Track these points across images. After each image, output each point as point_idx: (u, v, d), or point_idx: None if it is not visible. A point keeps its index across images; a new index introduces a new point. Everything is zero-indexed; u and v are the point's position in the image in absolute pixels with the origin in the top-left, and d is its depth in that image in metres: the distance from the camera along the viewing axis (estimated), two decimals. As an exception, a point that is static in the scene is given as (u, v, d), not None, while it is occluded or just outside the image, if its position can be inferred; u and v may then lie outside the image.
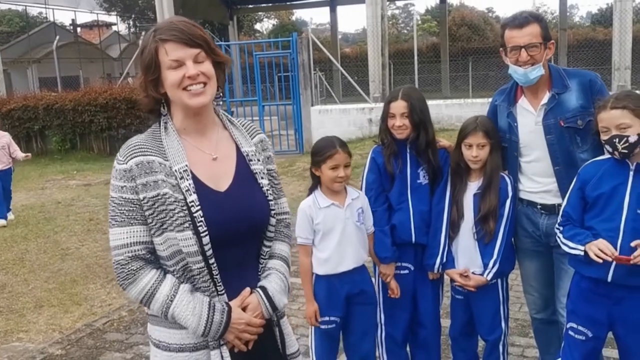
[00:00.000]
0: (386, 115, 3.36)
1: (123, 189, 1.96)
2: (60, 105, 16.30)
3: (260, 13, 44.98)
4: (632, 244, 2.67)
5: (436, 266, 3.38)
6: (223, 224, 1.97)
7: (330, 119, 15.04)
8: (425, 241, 3.40)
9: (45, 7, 33.39)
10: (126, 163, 1.95)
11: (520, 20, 3.06)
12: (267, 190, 2.12)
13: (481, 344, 3.59)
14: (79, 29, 36.23)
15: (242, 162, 2.11)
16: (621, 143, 2.70)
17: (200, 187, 1.98)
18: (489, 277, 3.29)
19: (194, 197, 1.94)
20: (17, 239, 8.38)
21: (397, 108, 3.30)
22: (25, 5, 32.89)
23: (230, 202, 2.02)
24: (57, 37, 23.26)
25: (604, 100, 2.84)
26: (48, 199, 11.23)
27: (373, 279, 3.52)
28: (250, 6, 36.27)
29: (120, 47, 34.06)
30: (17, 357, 4.68)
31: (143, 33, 24.95)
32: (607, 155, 2.87)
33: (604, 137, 2.78)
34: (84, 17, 40.46)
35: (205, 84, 1.97)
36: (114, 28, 40.24)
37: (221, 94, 2.15)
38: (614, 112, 2.73)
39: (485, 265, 3.30)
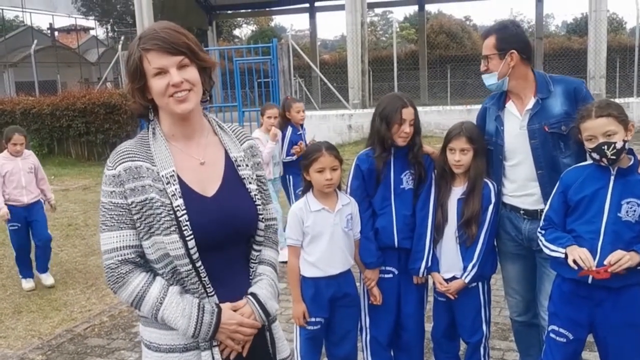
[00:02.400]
0: (393, 120, 3.32)
1: (112, 194, 1.98)
2: (37, 109, 16.09)
3: (239, 19, 44.95)
4: (605, 262, 2.74)
5: (421, 270, 3.42)
6: (208, 228, 1.99)
7: (310, 125, 14.88)
8: (409, 245, 3.43)
9: (22, 11, 33.08)
10: (115, 169, 1.99)
11: (484, 33, 3.35)
12: (255, 195, 2.13)
13: (463, 346, 3.64)
14: (56, 33, 35.88)
15: (231, 167, 2.13)
16: (610, 150, 2.77)
17: (187, 191, 2.00)
18: (466, 280, 3.36)
19: (180, 201, 1.96)
20: (-6, 245, 8.26)
21: (409, 114, 3.33)
22: (2, 9, 32.48)
23: (216, 206, 2.04)
24: (35, 41, 23.00)
25: (585, 109, 2.90)
26: (25, 204, 11.07)
27: (358, 284, 3.56)
28: (229, 12, 36.26)
29: (98, 52, 33.78)
30: (-4, 363, 4.64)
31: (122, 38, 24.79)
32: (589, 161, 2.95)
33: (590, 145, 2.84)
34: (61, 21, 40.29)
35: (190, 90, 1.99)
36: (92, 32, 39.93)
37: (208, 98, 2.17)
38: (600, 120, 2.79)
39: (465, 268, 3.36)
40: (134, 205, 1.96)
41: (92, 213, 9.68)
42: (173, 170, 1.99)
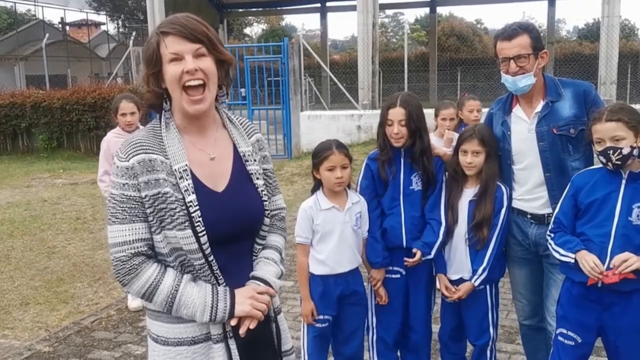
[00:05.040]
0: (384, 121, 3.38)
1: (125, 187, 1.95)
2: (48, 103, 16.19)
3: (250, 17, 45.04)
4: (611, 265, 2.74)
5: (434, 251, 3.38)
6: (219, 224, 1.99)
7: (319, 125, 15.09)
8: (417, 246, 3.42)
9: (35, 5, 33.26)
10: (128, 160, 1.95)
11: (509, 33, 3.14)
12: (262, 191, 2.14)
13: (470, 348, 3.64)
14: (67, 28, 36.01)
15: (239, 162, 2.13)
16: (615, 155, 2.77)
17: (199, 186, 2.00)
18: (476, 283, 3.35)
19: (193, 197, 1.95)
20: (2, 236, 8.30)
21: (395, 115, 3.32)
22: (14, 2, 32.65)
23: (226, 202, 2.04)
24: (47, 35, 23.10)
25: (598, 112, 2.90)
26: (34, 197, 11.15)
27: (365, 283, 3.56)
28: (241, 10, 36.33)
29: (109, 47, 33.91)
30: (3, 354, 4.64)
31: (133, 33, 24.86)
32: (600, 165, 2.94)
33: (598, 148, 2.85)
34: (72, 16, 40.34)
35: (204, 83, 1.97)
36: (103, 27, 40.10)
37: (225, 94, 2.14)
38: (609, 124, 2.79)
39: (474, 272, 3.35)
40: (147, 199, 1.94)
41: (100, 207, 9.70)
42: (186, 165, 1.98)
